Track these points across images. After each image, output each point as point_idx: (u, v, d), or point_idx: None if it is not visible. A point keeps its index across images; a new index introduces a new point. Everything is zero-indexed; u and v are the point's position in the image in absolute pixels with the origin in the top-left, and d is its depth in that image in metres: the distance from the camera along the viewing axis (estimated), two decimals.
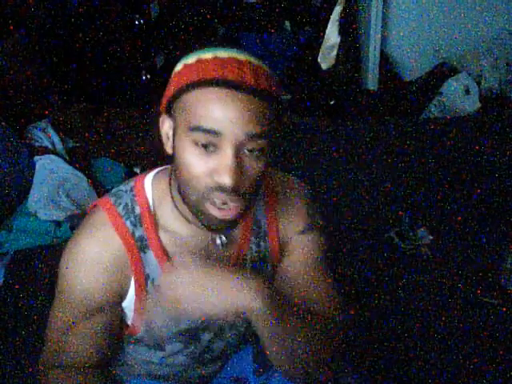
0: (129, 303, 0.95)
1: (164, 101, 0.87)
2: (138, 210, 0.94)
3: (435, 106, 3.30)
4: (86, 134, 2.60)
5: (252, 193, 0.85)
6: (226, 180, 0.80)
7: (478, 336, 1.65)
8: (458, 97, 3.28)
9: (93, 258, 0.91)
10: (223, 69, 0.80)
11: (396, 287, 1.85)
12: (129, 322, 0.98)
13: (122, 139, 2.61)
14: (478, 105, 3.32)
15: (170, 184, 0.94)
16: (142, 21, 3.17)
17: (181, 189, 0.87)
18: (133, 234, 0.93)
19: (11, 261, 1.86)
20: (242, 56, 0.83)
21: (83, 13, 3.07)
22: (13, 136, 2.21)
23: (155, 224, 0.94)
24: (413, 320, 1.72)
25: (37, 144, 2.34)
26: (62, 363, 0.95)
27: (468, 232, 2.14)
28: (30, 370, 1.45)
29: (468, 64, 3.42)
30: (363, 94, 3.44)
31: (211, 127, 0.79)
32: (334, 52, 3.36)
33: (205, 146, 0.81)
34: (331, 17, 3.34)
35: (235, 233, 0.99)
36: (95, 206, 0.97)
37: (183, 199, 0.88)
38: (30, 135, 2.39)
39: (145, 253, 0.93)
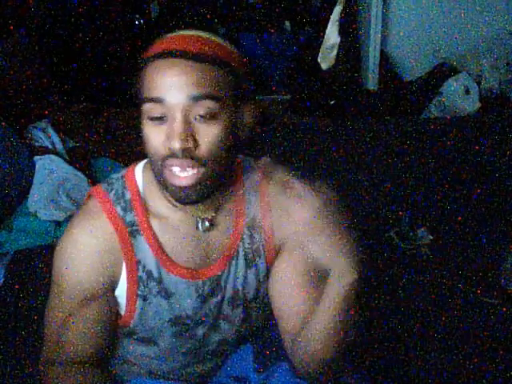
0: (121, 291, 0.96)
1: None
2: (128, 195, 0.95)
3: (435, 105, 3.30)
4: (86, 134, 2.59)
5: (211, 159, 0.86)
6: (176, 144, 0.83)
7: (478, 336, 1.65)
8: (458, 97, 3.28)
9: (83, 244, 0.92)
10: (171, 43, 0.85)
11: (396, 287, 1.85)
12: (122, 312, 0.98)
13: (121, 139, 2.61)
14: (478, 105, 3.31)
15: None
16: (142, 21, 3.18)
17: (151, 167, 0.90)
18: (123, 219, 0.93)
19: (11, 261, 1.86)
20: (199, 33, 0.87)
21: (83, 13, 3.07)
22: (13, 136, 2.21)
23: (145, 209, 0.95)
24: (413, 320, 1.71)
25: (37, 144, 2.34)
26: (61, 360, 0.96)
27: (468, 232, 2.13)
28: (30, 369, 1.45)
29: (468, 64, 3.42)
30: (363, 94, 3.43)
31: (155, 95, 0.84)
32: (334, 52, 3.35)
33: (157, 118, 0.85)
34: (331, 17, 3.34)
35: (227, 221, 0.99)
36: (90, 195, 0.98)
37: (155, 177, 0.90)
38: (30, 135, 2.39)
39: (136, 238, 0.94)
